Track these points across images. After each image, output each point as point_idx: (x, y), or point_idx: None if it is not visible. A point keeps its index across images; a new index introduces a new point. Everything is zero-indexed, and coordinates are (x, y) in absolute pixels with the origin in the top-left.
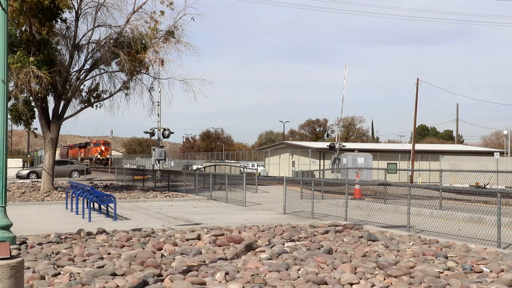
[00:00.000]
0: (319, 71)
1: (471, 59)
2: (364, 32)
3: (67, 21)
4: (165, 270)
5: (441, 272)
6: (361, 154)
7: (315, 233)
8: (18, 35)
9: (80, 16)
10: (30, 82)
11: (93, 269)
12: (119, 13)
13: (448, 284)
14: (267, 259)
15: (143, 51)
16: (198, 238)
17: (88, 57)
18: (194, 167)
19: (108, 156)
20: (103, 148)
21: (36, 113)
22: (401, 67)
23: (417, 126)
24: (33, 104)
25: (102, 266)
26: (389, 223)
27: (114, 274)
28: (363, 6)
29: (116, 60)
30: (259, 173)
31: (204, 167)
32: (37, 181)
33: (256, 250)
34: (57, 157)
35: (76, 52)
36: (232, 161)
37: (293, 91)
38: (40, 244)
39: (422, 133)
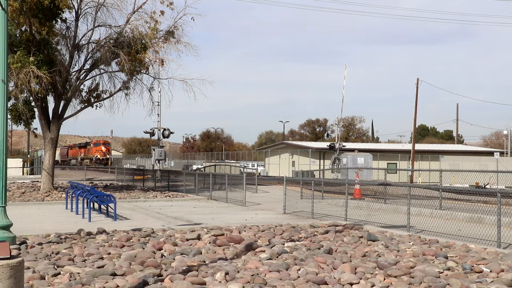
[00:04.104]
0: (319, 71)
1: (471, 59)
2: (364, 32)
3: (67, 21)
4: (165, 270)
5: (441, 272)
6: (361, 154)
7: (315, 233)
8: (18, 35)
9: (80, 16)
10: (30, 82)
11: (93, 269)
12: (119, 13)
13: (448, 284)
14: (267, 259)
15: (143, 51)
16: (198, 238)
17: (88, 57)
18: (194, 167)
19: (108, 156)
20: (103, 148)
21: (36, 113)
22: (401, 67)
23: (417, 126)
24: (33, 104)
25: (102, 266)
26: (389, 223)
27: (114, 274)
28: (363, 6)
29: (116, 60)
30: (259, 173)
31: (204, 167)
32: (37, 181)
33: (256, 250)
34: (57, 157)
35: (76, 52)
36: (232, 161)
37: (293, 91)
38: (40, 244)
39: (422, 133)
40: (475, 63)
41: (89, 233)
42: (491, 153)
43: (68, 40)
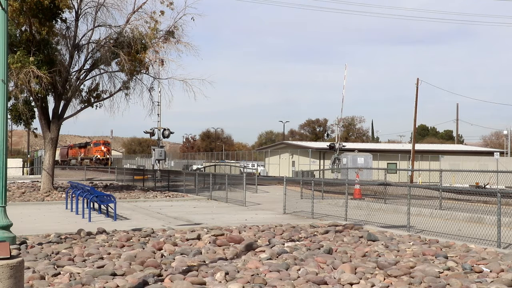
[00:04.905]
0: (319, 71)
1: (471, 59)
2: (364, 32)
3: (67, 21)
4: (165, 270)
5: (441, 272)
6: (361, 154)
7: (315, 233)
8: (18, 35)
9: (80, 16)
10: (30, 82)
11: (93, 269)
12: (119, 13)
13: (448, 284)
14: (267, 259)
15: (143, 51)
16: (198, 238)
17: (88, 57)
18: (194, 167)
19: (108, 156)
20: (103, 148)
21: (36, 113)
22: (402, 67)
23: (417, 126)
24: (33, 104)
25: (102, 266)
26: (389, 223)
27: (114, 274)
28: (364, 6)
29: (116, 60)
30: (259, 173)
31: (204, 167)
32: (37, 181)
33: (256, 250)
34: (57, 157)
35: (76, 52)
36: (232, 161)
37: (293, 91)
38: (40, 244)
39: (422, 133)
40: (475, 63)
41: (89, 233)
42: (491, 153)
43: (68, 40)
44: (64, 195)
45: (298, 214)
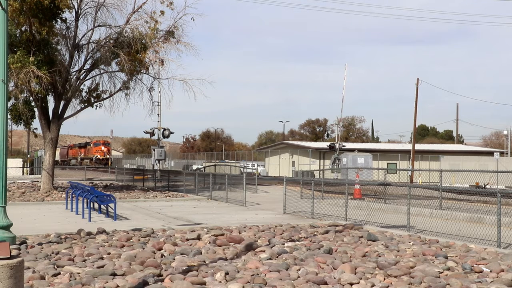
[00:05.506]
0: (319, 71)
1: (471, 59)
2: (364, 32)
3: (67, 21)
4: (165, 270)
5: (441, 272)
6: (361, 154)
7: (315, 233)
8: (18, 35)
9: (80, 16)
10: (30, 82)
11: (93, 269)
12: (119, 13)
13: (448, 284)
14: (267, 259)
15: (143, 51)
16: (198, 238)
17: (88, 57)
18: (194, 167)
19: (108, 156)
20: (103, 148)
21: (36, 113)
22: (402, 67)
23: (417, 126)
24: (33, 104)
25: (102, 266)
26: (389, 223)
27: (114, 274)
28: (364, 6)
29: (116, 60)
30: (259, 173)
31: (204, 167)
32: (37, 181)
33: (256, 250)
34: (57, 157)
35: (76, 52)
36: (232, 161)
37: (293, 91)
38: (40, 244)
39: (422, 133)
40: (475, 63)
41: (89, 233)
42: (491, 153)
43: (68, 40)
44: (64, 195)
45: (298, 214)
